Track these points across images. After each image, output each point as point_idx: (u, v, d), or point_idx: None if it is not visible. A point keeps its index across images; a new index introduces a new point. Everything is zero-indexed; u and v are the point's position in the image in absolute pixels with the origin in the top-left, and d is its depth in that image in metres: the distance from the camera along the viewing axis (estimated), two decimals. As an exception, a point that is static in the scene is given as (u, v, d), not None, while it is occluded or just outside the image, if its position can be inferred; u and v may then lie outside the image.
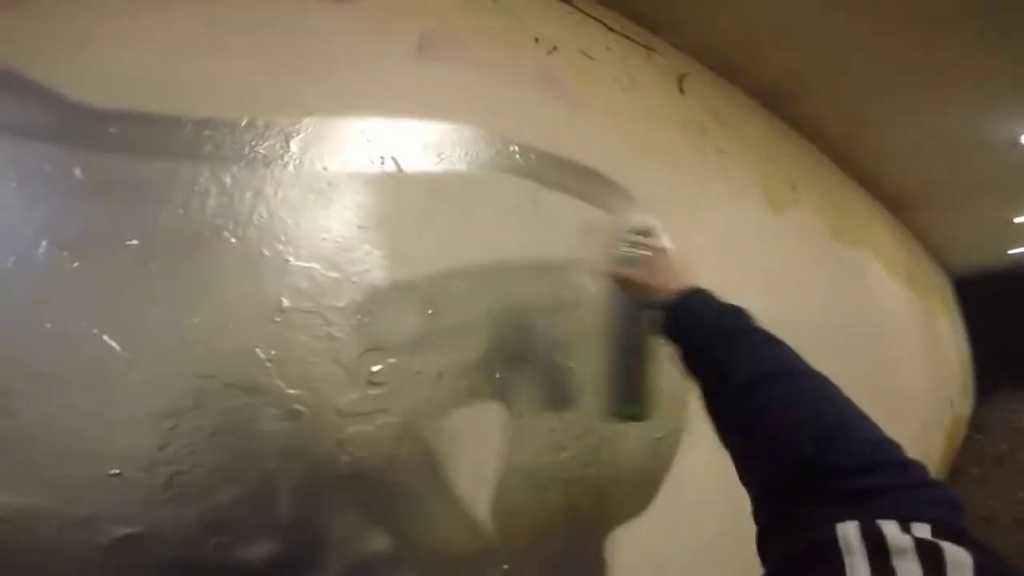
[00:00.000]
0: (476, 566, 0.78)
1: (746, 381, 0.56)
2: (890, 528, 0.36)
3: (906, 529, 0.36)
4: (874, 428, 0.49)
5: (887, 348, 2.06)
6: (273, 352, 0.61)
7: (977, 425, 3.46)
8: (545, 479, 0.85)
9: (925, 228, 2.69)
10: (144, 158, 0.59)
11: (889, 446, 0.47)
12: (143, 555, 0.55)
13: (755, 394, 0.54)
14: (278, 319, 0.62)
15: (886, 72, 1.52)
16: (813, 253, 1.75)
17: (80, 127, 0.57)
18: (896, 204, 2.41)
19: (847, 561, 0.35)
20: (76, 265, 0.54)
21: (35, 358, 0.52)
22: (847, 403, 0.52)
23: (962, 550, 0.34)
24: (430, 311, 0.73)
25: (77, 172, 0.56)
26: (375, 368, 0.68)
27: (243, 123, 0.65)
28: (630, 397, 0.82)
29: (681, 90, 1.37)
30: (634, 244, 0.82)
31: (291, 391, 0.62)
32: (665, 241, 0.81)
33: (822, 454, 0.46)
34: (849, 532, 0.36)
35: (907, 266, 2.52)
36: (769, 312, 1.35)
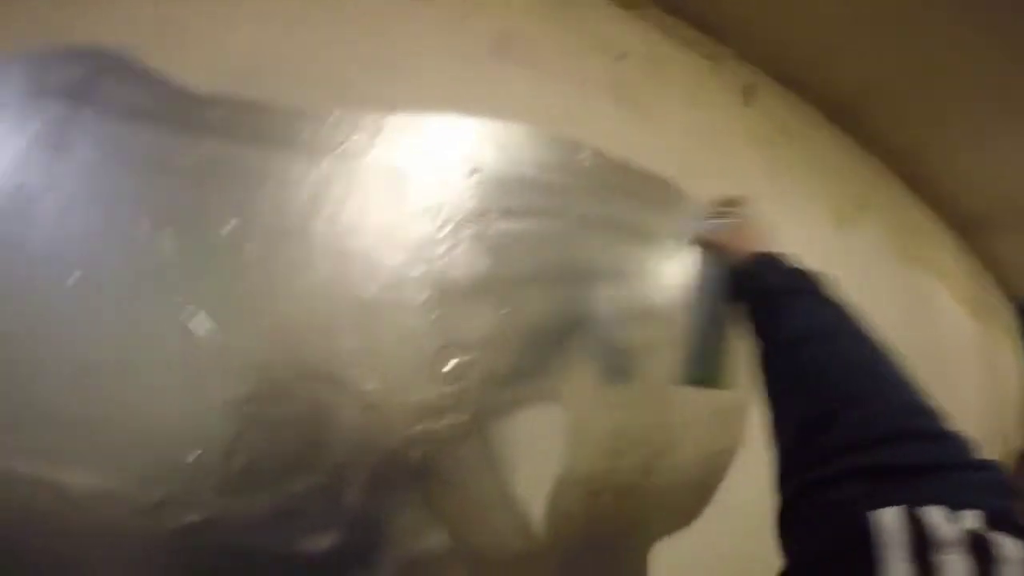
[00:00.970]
0: (527, 568, 0.77)
1: (789, 338, 0.54)
2: (935, 516, 0.31)
3: (953, 518, 0.31)
4: (920, 393, 0.44)
5: (944, 376, 1.97)
6: (354, 344, 0.62)
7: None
8: (601, 484, 0.84)
9: (995, 253, 2.56)
10: (243, 145, 0.61)
11: (934, 415, 0.41)
12: (209, 542, 0.55)
13: (794, 351, 0.52)
14: (362, 311, 0.63)
15: (964, 88, 1.45)
16: (877, 274, 1.69)
17: (184, 111, 0.59)
18: (966, 227, 2.30)
19: (882, 555, 0.30)
20: (173, 245, 0.56)
21: (126, 339, 0.53)
22: (895, 366, 0.47)
23: (1015, 542, 0.29)
24: (504, 311, 0.73)
25: (179, 155, 0.58)
26: (449, 365, 0.68)
27: (334, 115, 0.66)
28: (705, 363, 0.80)
29: (747, 102, 1.35)
30: (720, 213, 0.85)
31: (368, 384, 0.63)
32: (754, 214, 0.83)
33: (849, 410, 0.41)
34: (886, 521, 0.31)
35: (972, 293, 2.40)
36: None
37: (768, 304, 0.62)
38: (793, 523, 0.41)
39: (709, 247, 0.82)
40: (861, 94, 1.52)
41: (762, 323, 0.62)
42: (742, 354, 0.77)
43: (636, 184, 0.96)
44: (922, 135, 1.68)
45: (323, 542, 0.61)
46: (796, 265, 0.68)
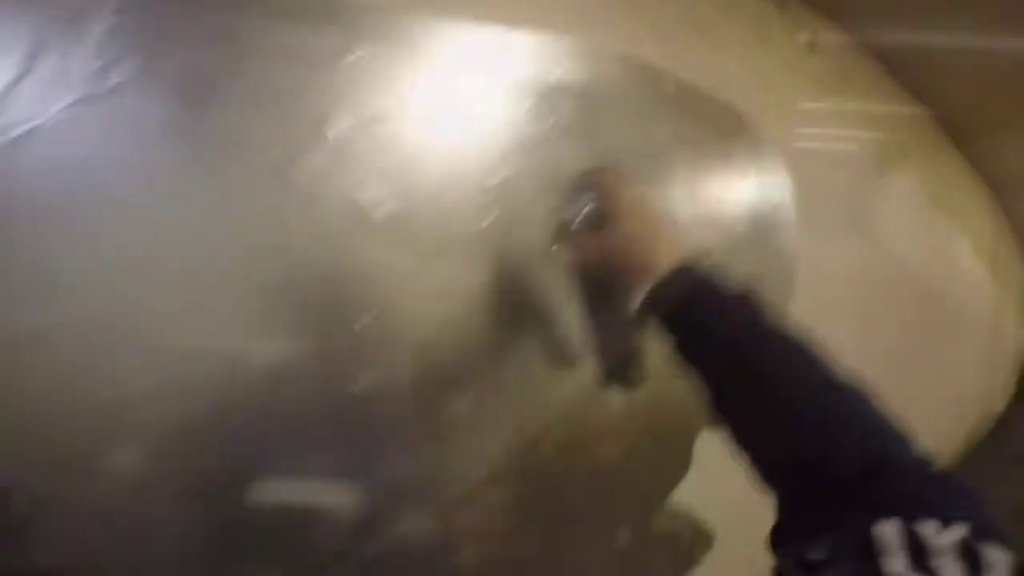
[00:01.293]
0: (599, 440, 0.91)
1: (773, 395, 0.54)
2: (928, 528, 0.36)
3: (944, 529, 0.36)
4: (899, 428, 0.50)
5: (950, 325, 2.06)
6: (486, 222, 0.73)
7: (1003, 422, 3.26)
8: (667, 374, 0.95)
9: (1025, 219, 2.59)
10: (391, 47, 0.66)
11: (918, 452, 0.48)
12: (370, 413, 0.61)
13: (786, 406, 0.53)
14: (493, 187, 0.74)
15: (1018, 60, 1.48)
16: (907, 217, 1.78)
17: (335, 15, 0.62)
18: (1002, 190, 2.34)
19: (883, 562, 0.35)
20: (343, 134, 0.62)
21: (311, 220, 0.59)
22: (874, 409, 0.51)
23: (999, 551, 0.34)
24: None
25: (341, 55, 0.62)
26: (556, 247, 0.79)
27: (457, 25, 0.72)
28: (612, 366, 0.78)
29: (812, 48, 1.40)
30: (582, 209, 0.70)
31: (491, 260, 0.74)
32: (630, 194, 0.68)
33: (843, 460, 0.46)
34: (886, 532, 0.36)
35: (994, 251, 2.46)
36: (855, 271, 1.41)
37: (721, 351, 0.58)
38: (791, 539, 0.47)
39: (578, 249, 0.70)
40: (921, 53, 1.55)
41: (715, 370, 0.59)
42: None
43: (716, 115, 1.04)
44: (973, 97, 1.71)
45: (462, 400, 0.70)
46: (728, 288, 0.60)
